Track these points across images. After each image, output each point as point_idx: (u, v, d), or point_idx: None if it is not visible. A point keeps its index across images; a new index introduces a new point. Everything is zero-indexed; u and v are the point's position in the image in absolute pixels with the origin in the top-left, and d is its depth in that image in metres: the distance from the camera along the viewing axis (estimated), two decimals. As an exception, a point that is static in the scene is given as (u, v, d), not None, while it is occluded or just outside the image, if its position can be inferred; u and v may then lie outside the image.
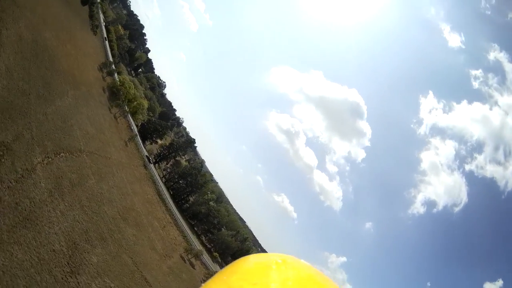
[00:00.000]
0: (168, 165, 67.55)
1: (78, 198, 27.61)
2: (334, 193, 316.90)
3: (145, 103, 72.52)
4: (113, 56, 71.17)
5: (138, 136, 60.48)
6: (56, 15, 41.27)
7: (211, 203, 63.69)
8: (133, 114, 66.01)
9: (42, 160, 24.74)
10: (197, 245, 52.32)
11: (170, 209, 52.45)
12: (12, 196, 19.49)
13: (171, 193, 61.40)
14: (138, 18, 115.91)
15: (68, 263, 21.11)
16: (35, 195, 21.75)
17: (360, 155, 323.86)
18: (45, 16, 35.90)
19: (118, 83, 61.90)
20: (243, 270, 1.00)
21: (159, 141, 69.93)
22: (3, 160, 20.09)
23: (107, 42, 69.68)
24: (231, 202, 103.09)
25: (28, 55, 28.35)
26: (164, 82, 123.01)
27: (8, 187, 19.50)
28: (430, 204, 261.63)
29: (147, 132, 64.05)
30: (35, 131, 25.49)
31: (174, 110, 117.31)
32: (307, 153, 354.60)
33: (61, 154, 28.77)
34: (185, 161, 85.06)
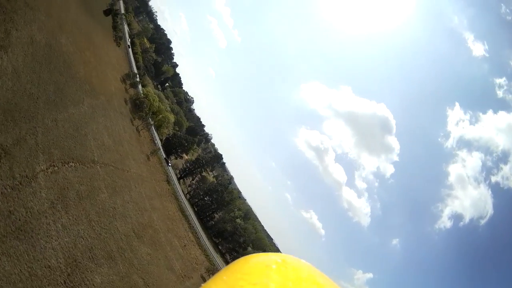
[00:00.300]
0: (194, 181, 68.05)
1: (85, 212, 26.90)
2: (362, 209, 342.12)
3: (171, 117, 74.20)
4: (137, 68, 74.28)
5: (162, 150, 61.28)
6: (75, 22, 43.39)
7: (237, 220, 62.98)
8: (158, 127, 67.59)
9: (46, 169, 24.40)
10: (221, 265, 50.34)
11: (193, 227, 52.05)
12: (6, 204, 18.85)
13: (196, 210, 61.36)
14: (165, 32, 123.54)
15: (64, 282, 19.85)
16: (33, 205, 21.09)
17: (388, 170, 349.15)
18: (62, 21, 37.59)
19: (142, 95, 63.81)
20: (243, 270, 1.03)
21: (185, 156, 70.65)
22: (-1, 164, 19.73)
23: (131, 54, 72.93)
24: (259, 219, 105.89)
25: (39, 59, 29.13)
26: (192, 98, 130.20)
27: (2, 193, 18.92)
28: (456, 217, 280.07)
29: (172, 147, 65.29)
30: (41, 137, 25.43)
31: (203, 126, 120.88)
32: (336, 169, 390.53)
33: (70, 163, 28.57)
34: (213, 177, 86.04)
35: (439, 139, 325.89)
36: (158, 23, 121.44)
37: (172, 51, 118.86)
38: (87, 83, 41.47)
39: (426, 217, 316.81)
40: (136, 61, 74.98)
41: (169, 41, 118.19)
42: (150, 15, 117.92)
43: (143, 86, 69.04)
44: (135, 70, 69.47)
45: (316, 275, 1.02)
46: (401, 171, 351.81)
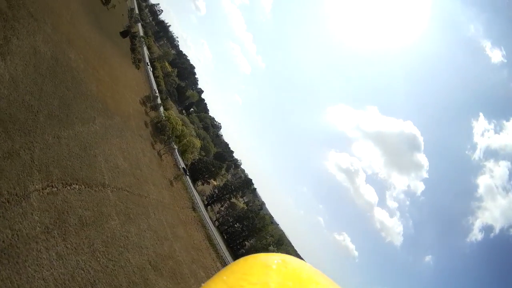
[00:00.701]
0: (222, 208, 68.89)
1: (88, 241, 24.97)
2: (395, 228, 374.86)
3: (197, 142, 75.43)
4: (159, 92, 75.99)
5: (187, 175, 60.73)
6: (87, 39, 44.89)
7: (270, 247, 62.40)
8: (182, 152, 67.72)
9: (42, 189, 23.08)
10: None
11: (221, 256, 50.49)
12: (-15, 223, 17.36)
13: (225, 237, 61.49)
14: (188, 58, 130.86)
15: (54, 323, 17.43)
16: (22, 228, 19.43)
17: (419, 188, 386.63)
18: (71, 36, 38.68)
19: (164, 117, 64.44)
20: (243, 270, 1.10)
21: (213, 182, 71.90)
22: (-19, 178, 18.53)
23: (152, 76, 75.05)
24: (293, 244, 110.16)
25: (43, 71, 29.22)
26: (220, 124, 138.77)
27: (-18, 211, 17.51)
28: (487, 229, 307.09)
29: (199, 172, 66.21)
30: (38, 153, 24.46)
31: (231, 152, 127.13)
32: (367, 190, 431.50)
33: (73, 185, 27.28)
34: (244, 203, 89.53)
35: (466, 152, 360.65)
36: (180, 49, 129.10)
37: (196, 76, 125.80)
38: (100, 102, 41.70)
39: (457, 231, 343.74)
40: (158, 85, 76.88)
41: (192, 67, 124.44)
42: (171, 41, 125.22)
43: (165, 109, 70.07)
44: (157, 93, 70.84)
45: (316, 275, 1.06)
46: (431, 187, 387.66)
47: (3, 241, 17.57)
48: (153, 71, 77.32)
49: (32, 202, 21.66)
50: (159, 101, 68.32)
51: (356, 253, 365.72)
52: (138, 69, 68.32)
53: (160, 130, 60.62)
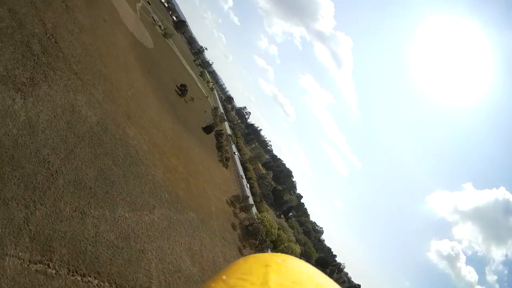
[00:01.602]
0: None
1: None
2: None
3: (297, 248, 72.37)
4: (253, 194, 71.95)
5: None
6: (156, 123, 44.40)
7: None
8: None
9: (29, 261, 16.42)
10: None
11: None
12: None
13: None
14: (283, 162, 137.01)
15: None
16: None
17: None
18: (133, 114, 37.92)
19: (256, 219, 58.62)
20: (243, 270, 1.15)
21: None
22: None
23: (243, 176, 72.41)
24: None
25: (80, 133, 26.34)
26: (321, 228, 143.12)
27: None
28: None
29: None
30: (39, 218, 18.71)
31: (334, 256, 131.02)
32: (468, 271, 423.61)
33: (89, 278, 19.96)
34: None
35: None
36: (275, 153, 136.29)
37: (294, 180, 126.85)
38: (167, 192, 37.23)
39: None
40: (251, 187, 73.31)
41: (289, 171, 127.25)
42: (263, 145, 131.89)
43: (259, 211, 65.12)
44: (248, 194, 66.59)
45: (316, 275, 1.10)
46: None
47: None
48: (244, 172, 75.05)
49: (6, 268, 14.87)
50: (251, 201, 63.23)
51: None
52: (226, 167, 66.29)
53: (251, 234, 53.36)
